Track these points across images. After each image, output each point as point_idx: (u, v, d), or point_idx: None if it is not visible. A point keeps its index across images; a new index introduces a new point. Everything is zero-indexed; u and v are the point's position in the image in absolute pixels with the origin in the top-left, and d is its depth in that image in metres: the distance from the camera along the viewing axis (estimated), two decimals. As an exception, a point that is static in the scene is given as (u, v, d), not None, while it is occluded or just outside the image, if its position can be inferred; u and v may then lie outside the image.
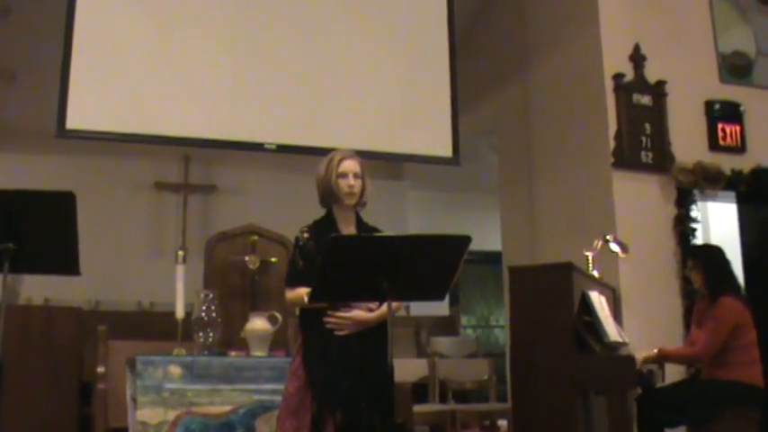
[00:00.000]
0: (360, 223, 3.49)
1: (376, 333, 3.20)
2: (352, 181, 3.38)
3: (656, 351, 4.50)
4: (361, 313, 3.27)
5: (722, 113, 6.24)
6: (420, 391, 5.24)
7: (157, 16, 5.84)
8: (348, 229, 3.42)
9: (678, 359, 4.88)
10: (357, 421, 3.16)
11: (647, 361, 4.39)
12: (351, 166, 3.41)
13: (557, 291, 4.14)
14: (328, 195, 3.42)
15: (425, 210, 9.25)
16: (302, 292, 3.23)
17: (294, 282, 3.33)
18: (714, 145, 6.15)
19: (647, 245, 5.68)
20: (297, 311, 3.51)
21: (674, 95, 6.09)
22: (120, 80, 5.66)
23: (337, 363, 3.22)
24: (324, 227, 3.37)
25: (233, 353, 4.57)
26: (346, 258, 2.90)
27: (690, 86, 6.18)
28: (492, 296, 10.17)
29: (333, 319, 3.26)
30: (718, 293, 4.52)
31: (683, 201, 5.92)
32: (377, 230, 3.47)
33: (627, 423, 4.53)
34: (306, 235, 3.37)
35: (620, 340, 4.37)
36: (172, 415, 4.10)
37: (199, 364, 4.24)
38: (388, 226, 3.57)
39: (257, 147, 6.07)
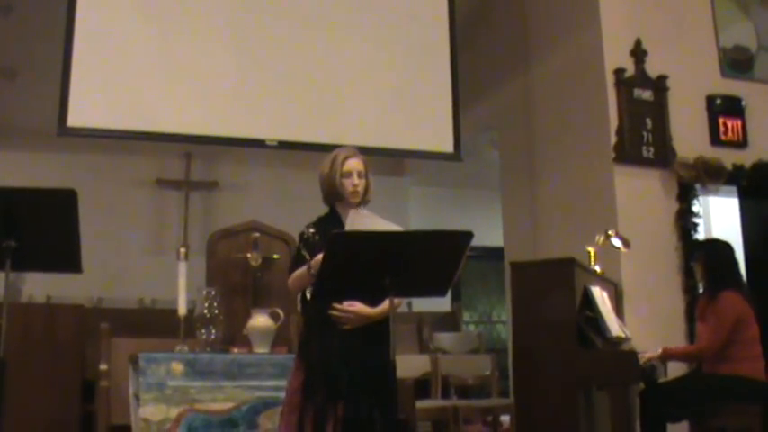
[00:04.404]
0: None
1: (379, 328, 3.20)
2: (356, 180, 3.38)
3: (660, 351, 4.50)
4: (363, 307, 3.27)
5: (723, 108, 6.23)
6: (422, 386, 5.23)
7: (158, 13, 5.84)
8: (352, 225, 3.42)
9: (683, 357, 4.88)
10: (358, 415, 3.16)
11: (651, 361, 4.40)
12: (355, 164, 3.41)
13: (558, 286, 4.14)
14: (332, 194, 3.42)
15: (427, 206, 9.24)
16: (302, 271, 3.23)
17: (294, 268, 3.33)
18: (715, 140, 6.15)
19: (648, 240, 5.67)
20: (299, 306, 3.49)
21: (676, 90, 6.08)
22: (121, 77, 5.66)
23: (339, 356, 3.23)
24: (329, 224, 3.37)
25: (235, 349, 4.58)
26: (348, 254, 2.90)
27: (691, 81, 6.17)
28: (494, 292, 10.16)
29: (336, 312, 3.26)
30: (717, 288, 4.52)
31: (685, 196, 5.91)
32: (380, 228, 3.47)
33: (629, 418, 4.54)
34: (311, 230, 3.37)
35: (623, 335, 4.37)
36: (174, 412, 4.10)
37: (201, 361, 4.24)
38: (390, 222, 3.56)
39: (259, 143, 6.07)
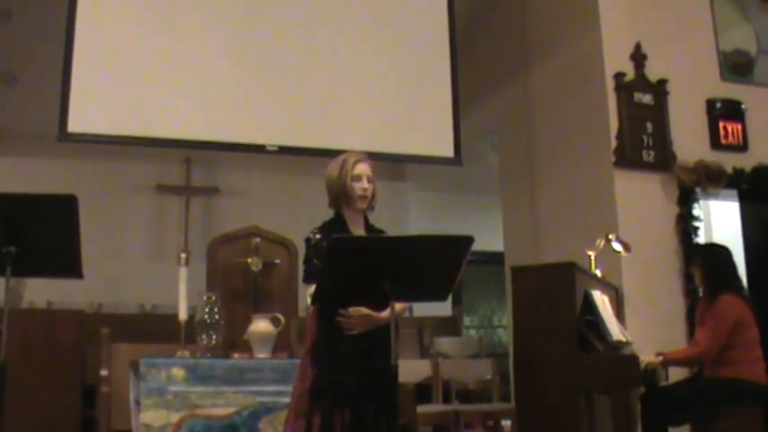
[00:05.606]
0: (367, 226, 3.48)
1: (384, 333, 3.18)
2: (366, 184, 3.36)
3: (660, 359, 4.49)
4: (369, 312, 3.25)
5: (724, 112, 6.23)
6: (423, 391, 5.23)
7: (158, 19, 5.85)
8: (357, 230, 3.40)
9: (681, 362, 4.87)
10: (365, 421, 3.16)
11: (650, 366, 4.39)
12: (364, 169, 3.39)
13: (559, 290, 4.14)
14: (341, 197, 3.39)
15: (428, 210, 9.24)
16: None
17: (312, 279, 3.28)
18: (716, 143, 6.15)
19: (649, 244, 5.67)
20: (310, 308, 3.47)
21: (676, 94, 6.09)
22: (122, 83, 5.67)
23: (346, 362, 3.22)
24: (334, 228, 3.34)
25: (236, 355, 4.57)
26: (349, 259, 2.89)
27: (691, 85, 6.17)
28: (494, 296, 10.16)
29: (343, 318, 3.25)
30: (716, 292, 4.51)
31: (685, 199, 5.91)
32: (383, 233, 3.46)
33: (631, 422, 4.53)
34: (318, 236, 3.34)
35: (624, 339, 4.37)
36: (175, 417, 4.10)
37: (202, 367, 4.24)
38: (391, 227, 3.57)
39: (259, 148, 6.08)
